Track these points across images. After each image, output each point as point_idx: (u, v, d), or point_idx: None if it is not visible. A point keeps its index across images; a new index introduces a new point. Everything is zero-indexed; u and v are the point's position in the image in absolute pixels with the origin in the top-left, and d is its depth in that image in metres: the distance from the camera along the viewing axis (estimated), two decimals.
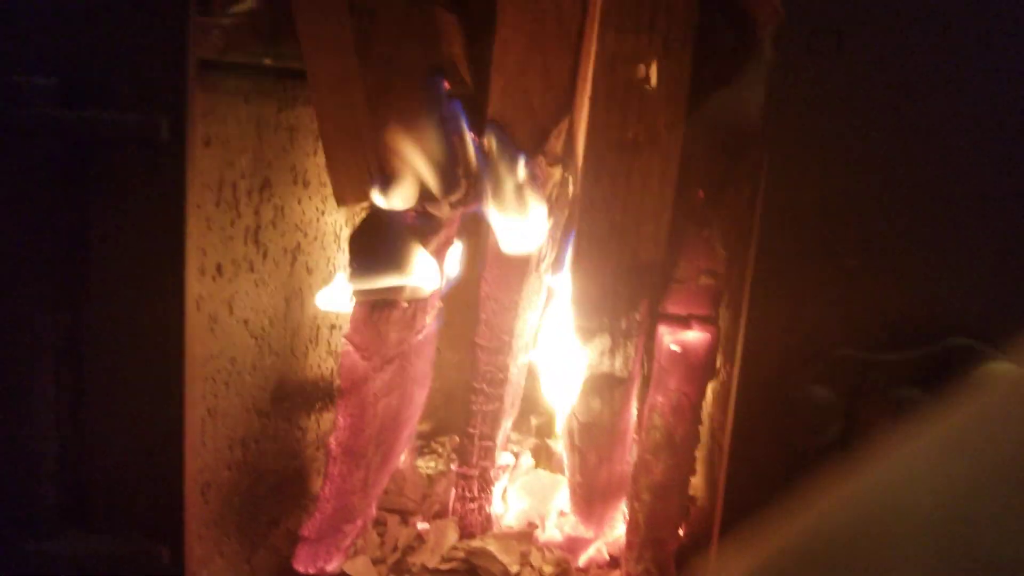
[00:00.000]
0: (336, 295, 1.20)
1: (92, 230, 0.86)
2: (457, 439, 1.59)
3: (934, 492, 0.35)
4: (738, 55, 0.96)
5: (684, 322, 1.12)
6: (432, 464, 1.57)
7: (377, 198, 1.06)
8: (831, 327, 0.85)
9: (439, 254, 1.22)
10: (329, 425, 1.44)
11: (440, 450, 1.63)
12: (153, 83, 0.83)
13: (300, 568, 1.19)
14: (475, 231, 1.32)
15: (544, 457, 1.57)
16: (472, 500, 1.34)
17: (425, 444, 1.63)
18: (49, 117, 0.82)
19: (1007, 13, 0.80)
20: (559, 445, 1.37)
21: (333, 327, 1.43)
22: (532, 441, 1.61)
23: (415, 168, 1.04)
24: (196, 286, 0.95)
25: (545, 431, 1.65)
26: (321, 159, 1.30)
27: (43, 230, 0.86)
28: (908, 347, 0.84)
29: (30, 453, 0.88)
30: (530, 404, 1.58)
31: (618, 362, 1.15)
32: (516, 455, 1.52)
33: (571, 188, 1.25)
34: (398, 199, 1.06)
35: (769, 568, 0.39)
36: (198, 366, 0.94)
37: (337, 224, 1.39)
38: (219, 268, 1.06)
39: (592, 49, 1.05)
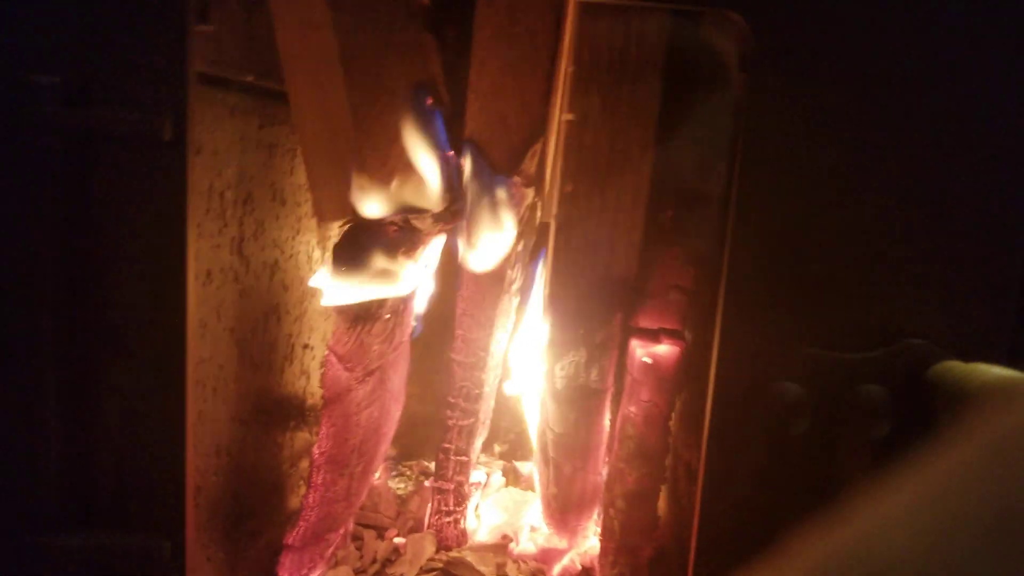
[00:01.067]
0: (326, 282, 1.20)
1: (94, 228, 0.89)
2: (424, 463, 1.62)
3: (910, 536, 0.35)
4: (707, 78, 1.03)
5: (655, 336, 1.17)
6: (402, 485, 1.59)
7: (362, 207, 1.10)
8: (799, 330, 0.90)
9: (418, 270, 1.26)
10: (303, 444, 1.46)
11: (408, 472, 1.65)
12: (156, 84, 0.86)
13: (285, 575, 1.20)
14: (445, 255, 1.36)
15: (512, 478, 1.60)
16: (448, 514, 1.36)
17: (394, 467, 1.66)
18: (53, 114, 0.85)
19: (969, 44, 0.87)
20: (532, 460, 1.40)
21: (306, 347, 1.45)
22: (501, 463, 1.65)
23: (400, 178, 1.08)
24: (190, 291, 0.98)
25: (510, 456, 1.69)
26: (297, 179, 1.34)
27: (45, 227, 0.88)
28: (870, 348, 0.89)
29: (32, 450, 0.90)
30: (495, 432, 1.64)
31: (593, 374, 1.19)
32: (487, 474, 1.55)
33: (539, 212, 1.31)
34: (382, 209, 1.09)
35: None
36: (192, 368, 0.96)
37: (310, 246, 1.42)
38: (209, 274, 1.09)
39: (566, 82, 1.11)
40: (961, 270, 0.91)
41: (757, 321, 0.90)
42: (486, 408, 1.40)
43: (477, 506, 1.44)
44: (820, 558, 0.38)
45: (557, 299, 1.16)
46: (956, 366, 0.85)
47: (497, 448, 1.69)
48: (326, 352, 1.20)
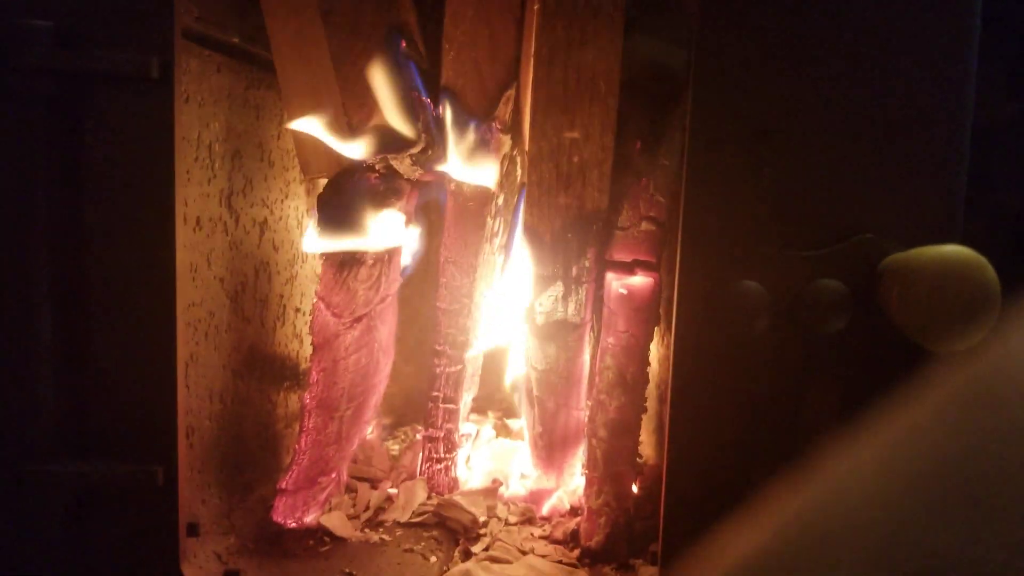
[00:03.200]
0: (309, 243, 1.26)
1: (86, 166, 0.94)
2: (418, 426, 1.67)
3: (872, 494, 0.36)
4: (665, 9, 1.08)
5: (629, 268, 1.21)
6: (396, 446, 1.64)
7: (343, 148, 1.15)
8: (757, 231, 0.95)
9: (400, 220, 1.31)
10: (296, 407, 1.50)
11: (402, 436, 1.70)
12: (144, 27, 0.92)
13: (279, 519, 1.24)
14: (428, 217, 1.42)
15: (503, 433, 1.65)
16: (439, 461, 1.41)
17: (389, 433, 1.70)
18: (47, 55, 0.90)
19: None
20: (518, 400, 1.45)
21: (297, 310, 1.50)
22: (492, 420, 1.70)
23: (378, 119, 1.13)
24: (180, 232, 1.03)
25: (502, 417, 1.74)
26: (284, 143, 1.40)
27: (39, 166, 0.93)
28: (824, 245, 0.94)
29: (28, 383, 0.94)
30: (488, 403, 1.70)
31: (571, 308, 1.24)
32: (478, 427, 1.60)
33: (519, 172, 1.36)
34: (363, 149, 1.15)
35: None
36: (182, 310, 1.01)
37: (299, 211, 1.48)
38: (198, 221, 1.14)
39: (535, 20, 1.17)
40: (910, 168, 0.96)
41: (716, 225, 0.95)
42: (474, 360, 1.44)
43: (468, 457, 1.48)
44: (780, 521, 0.39)
45: (532, 233, 1.21)
46: (906, 254, 0.90)
47: (491, 415, 1.74)
48: (314, 300, 1.24)
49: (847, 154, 0.96)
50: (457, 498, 1.34)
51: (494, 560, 1.20)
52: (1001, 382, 0.39)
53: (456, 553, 1.25)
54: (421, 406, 1.46)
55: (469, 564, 1.18)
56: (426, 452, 1.41)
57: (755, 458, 0.96)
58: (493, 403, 1.74)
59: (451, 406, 1.40)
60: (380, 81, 1.12)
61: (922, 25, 0.94)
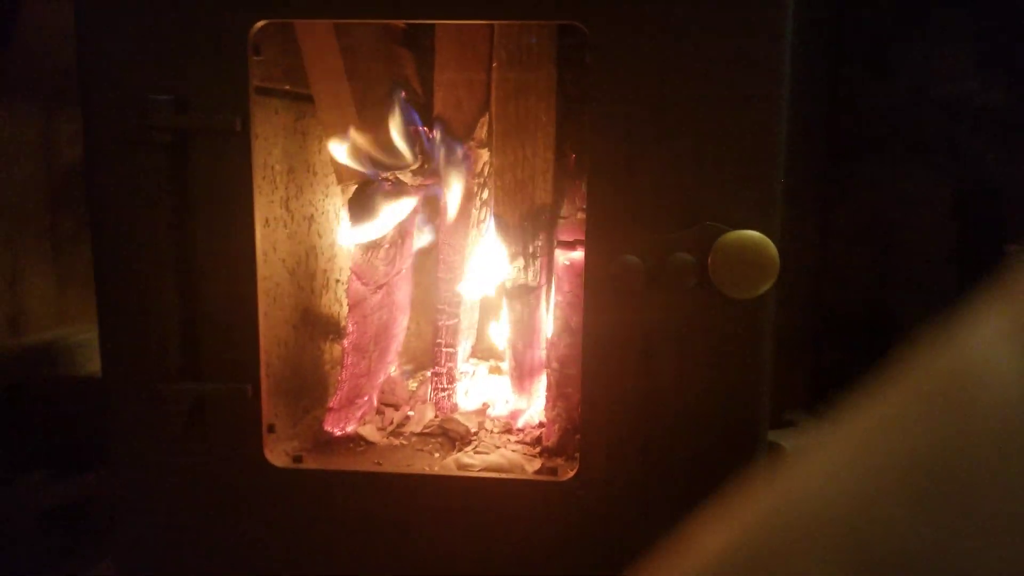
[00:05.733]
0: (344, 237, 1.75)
1: (194, 190, 1.44)
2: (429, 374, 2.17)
3: (838, 493, 0.35)
4: (584, 64, 1.55)
5: (571, 245, 1.69)
6: (414, 384, 2.14)
7: (363, 167, 1.64)
8: (637, 218, 1.42)
9: (410, 214, 1.80)
10: (338, 354, 2.01)
11: (420, 376, 2.20)
12: (230, 96, 1.41)
13: (328, 428, 1.75)
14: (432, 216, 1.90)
15: (496, 372, 2.14)
16: (443, 390, 1.90)
17: (410, 375, 2.20)
18: (168, 119, 1.40)
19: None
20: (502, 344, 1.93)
21: (337, 281, 2.00)
22: (490, 364, 2.19)
23: (389, 147, 1.62)
24: (257, 230, 1.52)
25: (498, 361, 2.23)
26: (324, 157, 1.89)
27: (163, 192, 1.43)
28: (680, 228, 1.41)
29: (162, 331, 1.45)
30: (491, 352, 2.20)
31: (530, 275, 1.72)
32: (475, 368, 2.09)
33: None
34: (378, 168, 1.64)
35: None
36: (259, 281, 1.51)
37: (336, 206, 1.97)
38: (267, 220, 1.64)
39: (495, 72, 1.64)
40: (735, 171, 1.41)
41: (611, 213, 1.42)
42: (470, 316, 1.94)
43: (467, 389, 1.98)
44: (749, 517, 0.38)
45: (501, 223, 1.69)
46: (725, 235, 1.36)
47: (492, 361, 2.23)
48: (348, 274, 1.74)
49: (696, 160, 1.42)
50: (456, 416, 1.84)
51: (478, 452, 1.70)
52: (969, 372, 0.37)
53: (453, 451, 1.75)
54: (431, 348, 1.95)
55: (460, 454, 1.68)
56: (433, 384, 1.91)
57: (637, 378, 1.43)
58: (494, 354, 2.23)
59: (451, 350, 1.89)
60: (388, 120, 1.61)
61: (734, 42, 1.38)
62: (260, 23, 1.37)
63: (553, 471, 1.58)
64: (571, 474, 1.46)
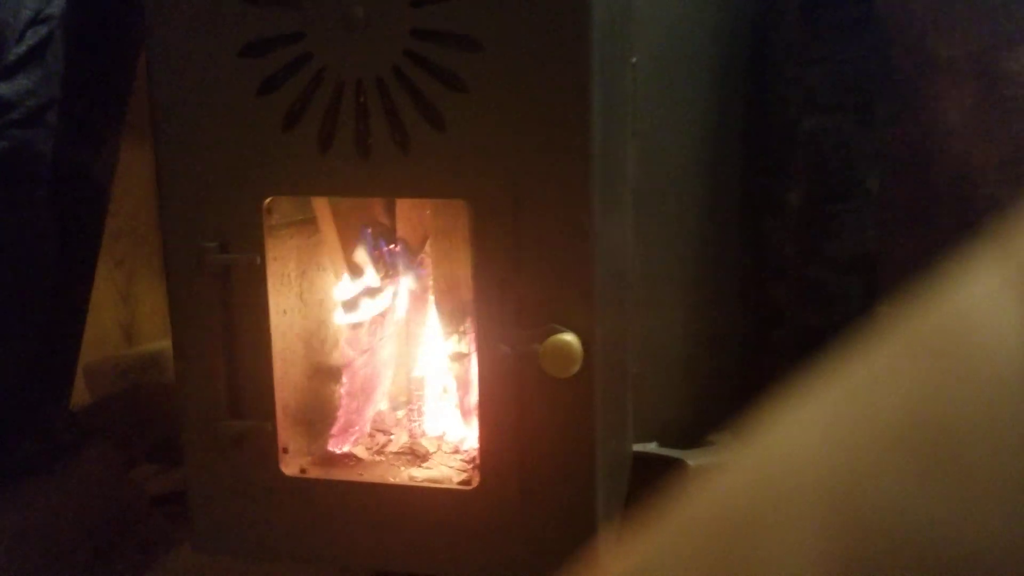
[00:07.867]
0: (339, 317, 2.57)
1: (233, 299, 2.25)
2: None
3: (826, 449, 0.35)
4: None
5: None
6: (401, 414, 2.93)
7: (349, 279, 2.45)
8: (534, 315, 2.17)
9: (384, 307, 2.60)
10: (339, 394, 2.81)
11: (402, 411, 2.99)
12: (251, 241, 2.22)
13: (330, 448, 2.55)
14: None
15: None
16: (414, 421, 2.69)
17: (401, 407, 3.00)
18: (216, 258, 2.22)
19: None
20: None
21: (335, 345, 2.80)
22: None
23: (362, 268, 2.43)
24: (274, 319, 2.33)
25: None
26: (326, 262, 2.70)
27: (214, 300, 2.25)
28: (532, 328, 2.16)
29: (214, 383, 2.27)
30: None
31: (463, 345, 2.50)
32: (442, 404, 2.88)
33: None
34: (360, 279, 2.45)
35: (667, 548, 0.39)
36: (276, 352, 2.32)
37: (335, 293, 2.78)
38: (285, 311, 2.45)
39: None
40: (554, 292, 2.16)
41: (511, 304, 2.18)
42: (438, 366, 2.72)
43: (435, 419, 2.76)
44: (740, 469, 0.38)
45: (441, 309, 2.48)
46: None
47: None
48: (342, 342, 2.55)
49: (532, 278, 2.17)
50: (422, 440, 2.63)
51: (426, 468, 2.48)
52: (966, 320, 0.34)
53: (413, 467, 2.54)
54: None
55: (413, 469, 2.47)
56: (407, 415, 2.70)
57: (511, 415, 2.19)
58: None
59: (419, 392, 2.68)
60: (362, 251, 2.41)
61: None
62: (269, 199, 2.19)
63: (468, 482, 2.36)
64: (475, 484, 2.23)
